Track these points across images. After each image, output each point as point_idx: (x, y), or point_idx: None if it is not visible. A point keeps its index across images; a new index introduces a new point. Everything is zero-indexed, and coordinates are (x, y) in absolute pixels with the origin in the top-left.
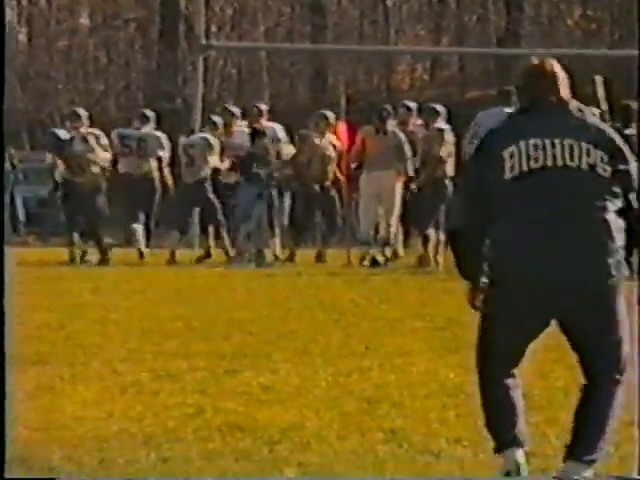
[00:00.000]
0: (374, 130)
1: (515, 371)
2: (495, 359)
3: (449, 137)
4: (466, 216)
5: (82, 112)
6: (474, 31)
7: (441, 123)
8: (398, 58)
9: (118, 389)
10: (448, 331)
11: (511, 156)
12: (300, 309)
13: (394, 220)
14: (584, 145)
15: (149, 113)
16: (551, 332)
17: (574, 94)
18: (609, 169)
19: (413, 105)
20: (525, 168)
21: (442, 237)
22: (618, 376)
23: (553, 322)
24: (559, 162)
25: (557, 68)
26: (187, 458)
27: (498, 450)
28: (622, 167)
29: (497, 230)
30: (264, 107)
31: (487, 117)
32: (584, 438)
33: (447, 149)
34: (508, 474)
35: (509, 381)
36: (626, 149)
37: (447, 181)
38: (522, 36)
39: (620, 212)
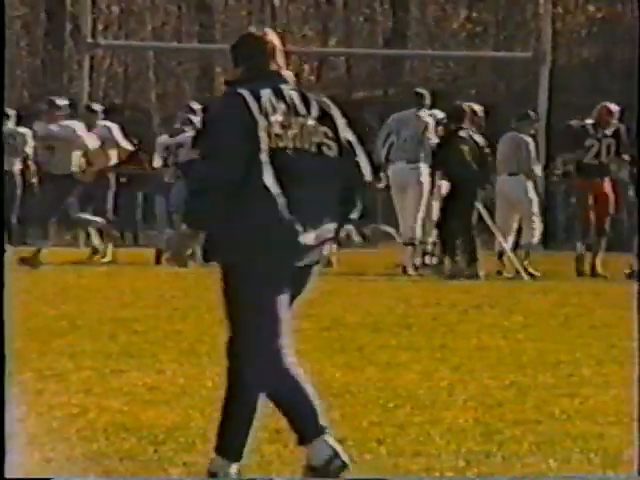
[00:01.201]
0: None
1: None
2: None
3: None
4: (215, 190)
5: None
6: (361, 32)
7: None
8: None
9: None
10: (334, 331)
11: (264, 132)
12: (187, 309)
13: None
14: (312, 123)
15: (10, 111)
16: (437, 332)
17: (458, 98)
18: (335, 147)
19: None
20: (274, 145)
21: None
22: None
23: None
24: (297, 144)
25: (275, 38)
26: (71, 458)
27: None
28: (344, 143)
29: (245, 205)
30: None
31: (399, 120)
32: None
33: None
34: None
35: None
36: (341, 121)
37: None
38: (408, 37)
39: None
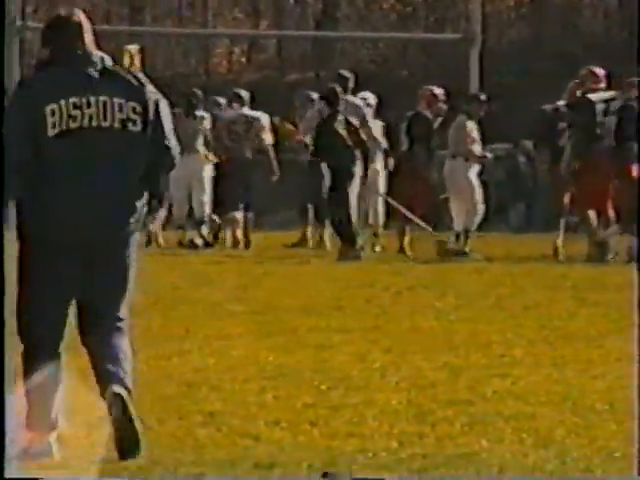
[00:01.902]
0: (184, 113)
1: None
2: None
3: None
4: (14, 173)
5: None
6: (292, 14)
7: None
8: (216, 41)
9: None
10: (266, 314)
11: (52, 113)
12: None
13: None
14: (116, 100)
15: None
16: (370, 314)
17: (389, 79)
18: (140, 123)
19: (244, 93)
20: (65, 127)
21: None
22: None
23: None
24: (94, 122)
25: (82, 18)
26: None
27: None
28: (153, 119)
29: (43, 186)
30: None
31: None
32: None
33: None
34: None
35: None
36: (153, 105)
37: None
38: (339, 19)
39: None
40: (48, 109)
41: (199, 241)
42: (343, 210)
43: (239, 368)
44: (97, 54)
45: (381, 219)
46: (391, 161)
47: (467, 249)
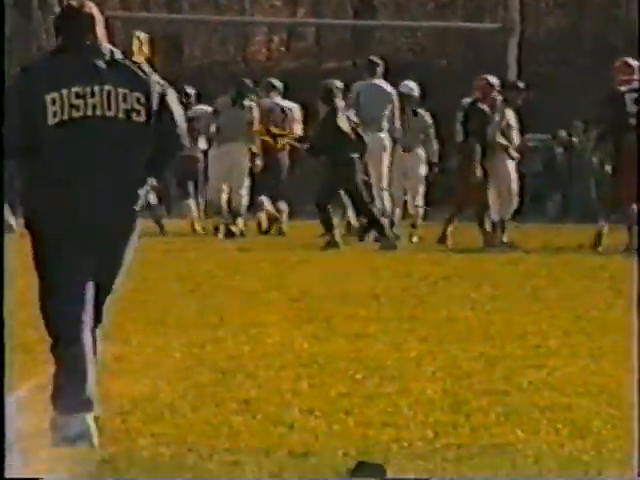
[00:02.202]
0: (230, 102)
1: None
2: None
3: (297, 114)
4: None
5: None
6: (330, 2)
7: (278, 99)
8: (254, 29)
9: None
10: (302, 302)
11: (53, 102)
12: (155, 279)
13: (244, 190)
14: (121, 91)
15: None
16: (406, 303)
17: (427, 68)
18: (144, 113)
19: (278, 83)
20: (66, 117)
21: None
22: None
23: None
24: (98, 112)
25: (94, 10)
26: (39, 429)
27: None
28: (155, 110)
29: (45, 175)
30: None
31: (365, 87)
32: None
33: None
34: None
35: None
36: (157, 96)
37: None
38: (377, 8)
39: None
40: (49, 98)
41: (236, 229)
42: (362, 202)
43: (274, 356)
44: (106, 46)
45: (421, 210)
46: (436, 152)
47: (505, 239)
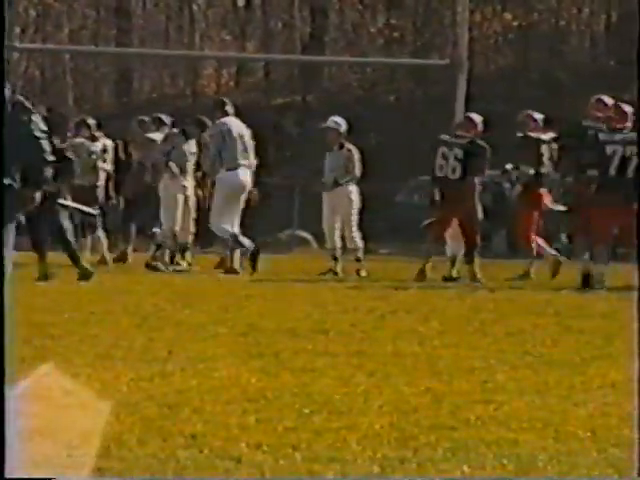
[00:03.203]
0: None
1: None
2: None
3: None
4: None
5: None
6: (279, 37)
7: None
8: (204, 63)
9: None
10: (250, 337)
11: None
12: (102, 313)
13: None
14: None
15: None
16: (354, 338)
17: (376, 103)
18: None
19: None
20: None
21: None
22: None
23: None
24: None
25: None
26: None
27: None
28: None
29: None
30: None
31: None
32: None
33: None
34: None
35: None
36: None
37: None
38: (327, 43)
39: None
40: None
41: (183, 263)
42: None
43: (221, 390)
44: None
45: (359, 243)
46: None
47: (454, 274)
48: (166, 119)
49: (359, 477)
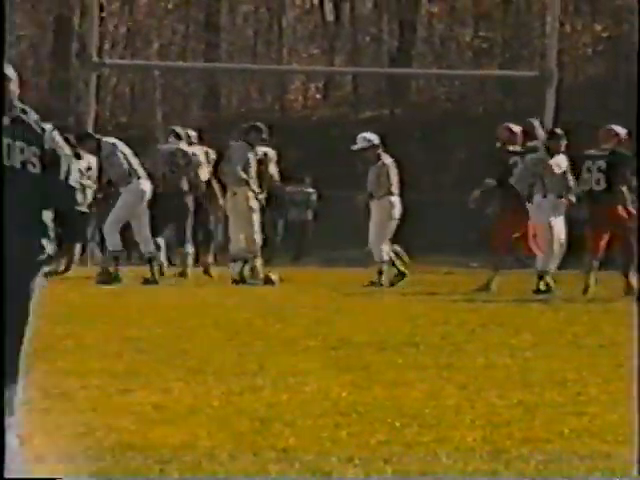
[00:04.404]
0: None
1: None
2: None
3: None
4: None
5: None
6: (367, 51)
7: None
8: (291, 77)
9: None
10: (340, 350)
11: None
12: (194, 328)
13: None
14: (18, 144)
15: (179, 130)
16: (444, 351)
17: (465, 116)
18: (39, 165)
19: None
20: None
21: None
22: None
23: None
24: (6, 162)
25: (8, 70)
26: (78, 477)
27: None
28: (48, 163)
29: None
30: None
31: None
32: None
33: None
34: None
35: None
36: (50, 151)
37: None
38: (414, 56)
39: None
40: None
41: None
42: None
43: (313, 404)
44: (16, 103)
45: (384, 256)
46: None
47: (542, 287)
48: (185, 132)
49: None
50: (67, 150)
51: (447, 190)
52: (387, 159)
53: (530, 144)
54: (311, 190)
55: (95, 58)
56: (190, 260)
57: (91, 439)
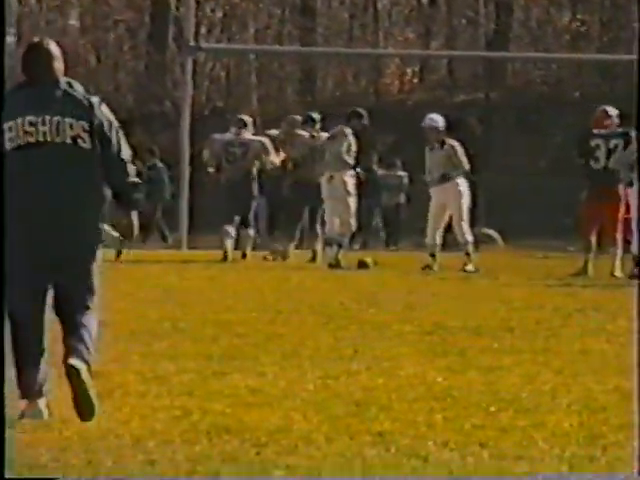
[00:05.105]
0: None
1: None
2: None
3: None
4: None
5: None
6: (463, 34)
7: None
8: (387, 61)
9: (105, 391)
10: (435, 335)
11: (10, 130)
12: (289, 312)
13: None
14: (67, 120)
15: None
16: (540, 336)
17: (561, 100)
18: (89, 140)
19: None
20: (21, 142)
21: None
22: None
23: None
24: (48, 138)
25: (52, 46)
26: (174, 460)
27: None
28: (98, 138)
29: (7, 197)
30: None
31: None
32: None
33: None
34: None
35: None
36: (106, 121)
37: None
38: (511, 39)
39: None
40: (6, 126)
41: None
42: None
43: (408, 388)
44: (63, 79)
45: (468, 237)
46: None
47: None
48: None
49: (547, 475)
50: (116, 123)
51: (543, 174)
52: (454, 142)
53: (619, 129)
54: (403, 173)
55: (192, 42)
56: (249, 243)
57: (187, 422)
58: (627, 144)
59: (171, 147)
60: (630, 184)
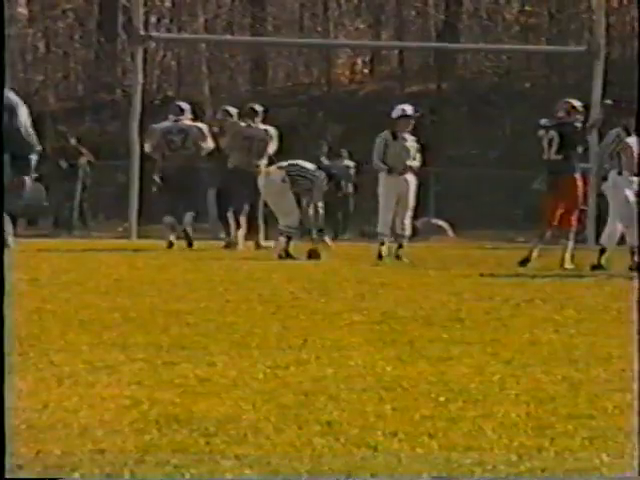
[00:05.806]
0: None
1: None
2: None
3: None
4: None
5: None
6: (413, 25)
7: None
8: (338, 52)
9: (54, 380)
10: (385, 325)
11: None
12: (238, 301)
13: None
14: None
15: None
16: (489, 326)
17: (511, 91)
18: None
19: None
20: None
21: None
22: None
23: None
24: None
25: None
26: (123, 449)
27: None
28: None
29: None
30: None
31: None
32: None
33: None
34: None
35: None
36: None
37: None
38: (461, 30)
39: None
40: None
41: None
42: None
43: (357, 378)
44: None
45: (407, 231)
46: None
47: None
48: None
49: (496, 465)
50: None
51: (493, 165)
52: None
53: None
54: (350, 163)
55: (142, 31)
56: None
57: (136, 412)
58: (572, 134)
59: (121, 136)
60: (583, 174)
